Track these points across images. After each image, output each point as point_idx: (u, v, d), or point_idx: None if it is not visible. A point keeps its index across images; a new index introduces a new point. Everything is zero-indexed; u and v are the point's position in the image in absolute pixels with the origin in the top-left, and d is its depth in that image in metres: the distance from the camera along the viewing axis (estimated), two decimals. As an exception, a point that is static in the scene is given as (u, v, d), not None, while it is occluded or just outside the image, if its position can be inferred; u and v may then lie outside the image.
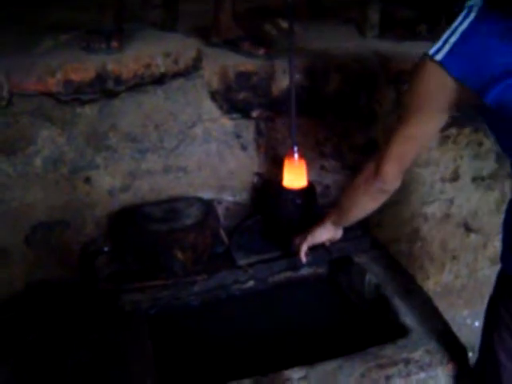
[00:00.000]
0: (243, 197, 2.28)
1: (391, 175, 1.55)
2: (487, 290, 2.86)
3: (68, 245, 2.09)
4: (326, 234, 1.87)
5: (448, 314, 1.83)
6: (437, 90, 1.35)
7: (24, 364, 1.78)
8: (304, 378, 1.55)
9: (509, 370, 1.49)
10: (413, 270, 2.40)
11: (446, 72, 1.28)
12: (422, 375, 1.61)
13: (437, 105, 1.39)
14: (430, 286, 2.67)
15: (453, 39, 1.28)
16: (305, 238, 1.88)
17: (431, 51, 1.30)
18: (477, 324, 2.85)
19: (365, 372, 1.57)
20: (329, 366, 1.58)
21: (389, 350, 1.64)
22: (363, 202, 1.69)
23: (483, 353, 1.58)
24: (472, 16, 1.27)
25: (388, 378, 1.58)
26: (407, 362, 1.61)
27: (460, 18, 1.29)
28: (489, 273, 2.85)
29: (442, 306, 1.86)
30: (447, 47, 1.28)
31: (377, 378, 1.57)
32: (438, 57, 1.28)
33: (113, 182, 2.08)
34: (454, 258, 2.74)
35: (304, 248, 1.88)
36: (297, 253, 1.90)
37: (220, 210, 2.21)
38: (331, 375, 1.56)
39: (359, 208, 1.73)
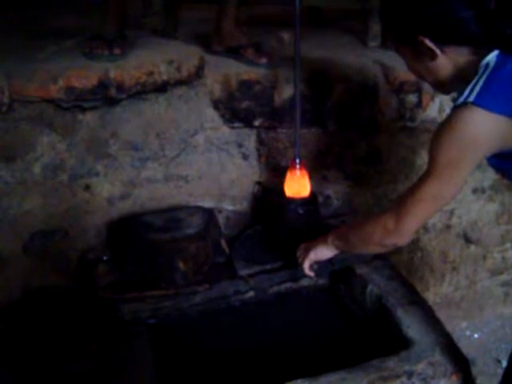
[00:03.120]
0: (244, 206, 2.26)
1: (409, 233, 1.51)
2: (487, 302, 2.90)
3: (66, 253, 2.07)
4: (329, 253, 1.82)
5: (447, 326, 1.81)
6: (472, 138, 1.29)
7: (22, 373, 1.75)
8: (306, 390, 1.54)
9: None
10: (413, 280, 2.38)
11: (482, 109, 1.24)
12: (426, 388, 1.60)
13: (470, 157, 1.33)
14: (430, 297, 2.66)
15: (480, 84, 1.26)
16: (307, 254, 1.86)
17: (460, 101, 1.27)
18: (476, 336, 2.85)
19: (368, 384, 1.56)
20: (331, 379, 1.56)
21: (391, 362, 1.62)
22: (373, 248, 1.67)
23: None
24: (492, 64, 1.27)
25: (391, 390, 1.56)
26: (410, 374, 1.59)
27: (479, 74, 1.28)
28: (488, 284, 2.85)
29: (441, 317, 1.85)
30: (477, 89, 1.25)
31: (380, 391, 1.56)
32: (470, 99, 1.25)
33: (112, 190, 2.07)
34: (453, 269, 2.73)
35: (307, 265, 1.86)
36: (301, 270, 1.88)
37: (220, 220, 2.19)
38: (334, 387, 1.54)
39: (367, 250, 1.74)
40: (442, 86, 1.48)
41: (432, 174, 1.38)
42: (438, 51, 1.35)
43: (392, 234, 1.51)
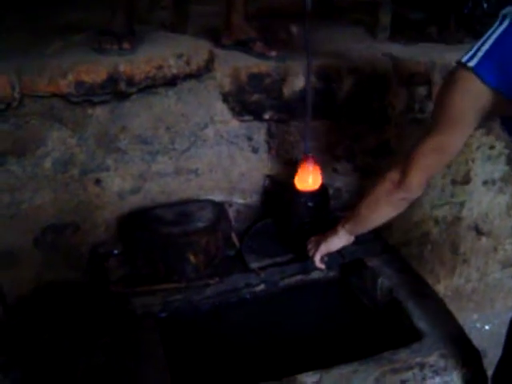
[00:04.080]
0: (254, 199, 2.27)
1: (417, 186, 1.54)
2: (498, 294, 2.90)
3: (78, 247, 2.08)
4: (339, 243, 1.84)
5: (458, 318, 1.81)
6: (470, 99, 1.32)
7: (34, 367, 1.76)
8: (318, 382, 1.54)
9: None
10: (423, 273, 2.36)
11: (479, 80, 1.26)
12: (437, 380, 1.59)
13: (469, 115, 1.36)
14: (441, 289, 2.66)
15: (486, 46, 1.26)
16: (318, 247, 1.86)
17: (464, 59, 1.28)
18: (487, 328, 2.84)
19: (379, 376, 1.55)
20: (343, 371, 1.57)
21: (403, 354, 1.62)
22: (384, 210, 1.67)
23: (505, 368, 1.54)
24: (506, 23, 1.25)
25: (403, 382, 1.56)
26: (422, 366, 1.60)
27: (494, 27, 1.28)
28: (499, 276, 2.84)
29: (452, 309, 1.85)
30: (480, 54, 1.26)
31: (391, 383, 1.56)
32: (471, 63, 1.26)
33: (123, 184, 2.07)
34: (464, 261, 2.73)
35: (318, 257, 1.87)
36: (311, 262, 1.89)
37: (231, 213, 2.20)
38: (345, 380, 1.54)
39: (379, 216, 1.70)
40: None
41: (433, 129, 1.43)
42: None
43: (399, 187, 1.55)
